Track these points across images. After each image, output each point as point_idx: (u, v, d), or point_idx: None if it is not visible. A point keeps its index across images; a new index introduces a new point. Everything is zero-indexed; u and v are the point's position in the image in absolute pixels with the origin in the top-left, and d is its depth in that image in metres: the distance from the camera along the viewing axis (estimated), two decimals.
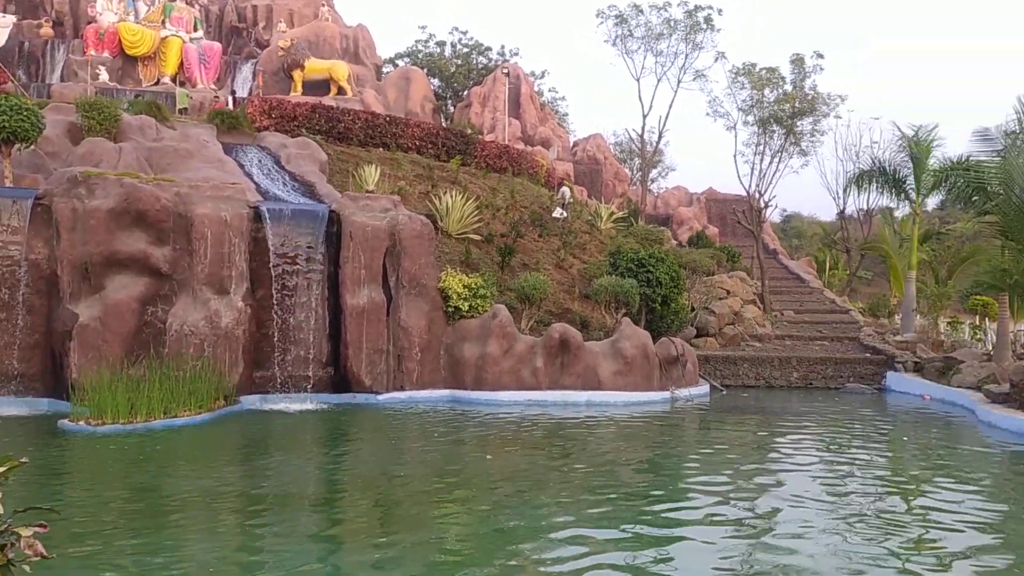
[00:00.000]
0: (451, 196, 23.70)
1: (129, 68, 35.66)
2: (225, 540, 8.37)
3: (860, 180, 28.90)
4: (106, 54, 34.84)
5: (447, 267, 20.65)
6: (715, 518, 9.28)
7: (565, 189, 31.77)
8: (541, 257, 25.24)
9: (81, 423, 14.03)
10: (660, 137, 48.66)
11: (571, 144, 50.86)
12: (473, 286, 19.59)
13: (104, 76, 33.50)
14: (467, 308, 19.36)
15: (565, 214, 28.82)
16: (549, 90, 65.23)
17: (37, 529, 2.26)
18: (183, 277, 17.16)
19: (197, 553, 7.80)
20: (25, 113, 18.15)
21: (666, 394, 19.63)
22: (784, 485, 11.16)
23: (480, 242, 23.82)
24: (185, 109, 30.09)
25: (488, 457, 12.70)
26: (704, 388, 21.33)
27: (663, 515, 9.37)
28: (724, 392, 22.08)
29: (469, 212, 23.70)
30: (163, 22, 36.46)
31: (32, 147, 19.48)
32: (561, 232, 27.27)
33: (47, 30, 36.97)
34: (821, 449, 14.41)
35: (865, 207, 40.33)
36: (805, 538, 8.42)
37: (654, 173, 60.47)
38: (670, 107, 60.94)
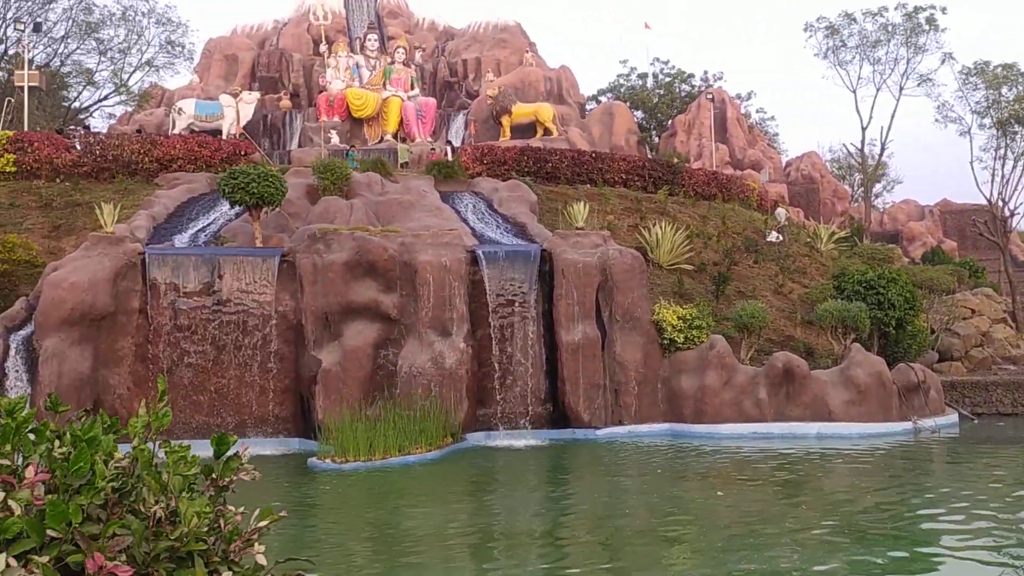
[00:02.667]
0: (660, 227, 23.51)
1: (356, 129, 38.71)
2: None
3: None
4: (336, 119, 38.06)
5: (660, 299, 20.42)
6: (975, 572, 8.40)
7: (780, 211, 30.52)
8: (757, 284, 24.33)
9: (328, 461, 15.17)
10: (883, 149, 45.68)
11: (783, 164, 48.95)
12: (688, 317, 19.24)
13: (335, 139, 36.51)
14: (682, 340, 19.02)
15: (781, 237, 27.67)
16: (756, 111, 63.09)
17: None
18: (409, 321, 18.20)
19: None
20: (271, 179, 20.12)
21: (907, 425, 18.14)
22: None
23: (692, 272, 23.38)
24: (406, 163, 32.10)
25: (719, 493, 12.33)
26: (952, 417, 19.50)
27: (910, 566, 8.62)
28: (975, 421, 20.06)
29: (679, 242, 23.37)
30: (384, 84, 39.34)
31: (277, 209, 21.58)
32: (777, 257, 26.17)
33: (286, 102, 41.03)
34: None
35: None
36: None
37: (878, 188, 56.75)
38: (892, 116, 56.77)
